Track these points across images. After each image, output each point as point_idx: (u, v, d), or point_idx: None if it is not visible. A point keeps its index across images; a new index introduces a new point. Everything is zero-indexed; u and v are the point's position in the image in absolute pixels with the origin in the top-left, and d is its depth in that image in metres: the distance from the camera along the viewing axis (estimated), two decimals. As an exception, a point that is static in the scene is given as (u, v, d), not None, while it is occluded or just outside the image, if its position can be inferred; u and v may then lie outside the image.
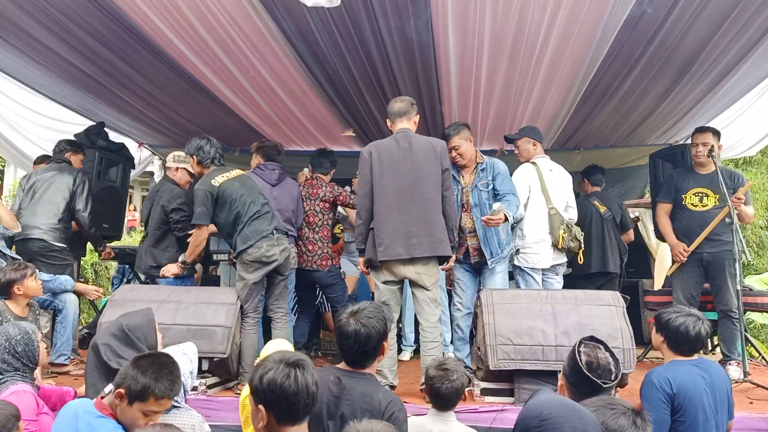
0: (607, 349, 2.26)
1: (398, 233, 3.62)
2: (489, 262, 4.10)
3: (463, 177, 4.24)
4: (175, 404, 2.40)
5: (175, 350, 2.60)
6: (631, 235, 5.81)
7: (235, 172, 4.16)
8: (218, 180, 4.01)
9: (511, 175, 4.32)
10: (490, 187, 4.14)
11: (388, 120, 3.90)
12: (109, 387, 2.42)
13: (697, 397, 2.61)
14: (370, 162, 3.74)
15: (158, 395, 2.17)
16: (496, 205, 3.92)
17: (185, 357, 2.57)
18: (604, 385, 2.14)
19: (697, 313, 2.79)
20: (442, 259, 3.78)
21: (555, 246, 4.27)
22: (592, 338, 2.32)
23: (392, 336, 3.67)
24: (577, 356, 2.20)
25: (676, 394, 2.61)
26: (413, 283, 3.71)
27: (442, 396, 2.60)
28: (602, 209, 5.39)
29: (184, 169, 4.61)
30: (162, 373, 2.21)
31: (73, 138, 5.28)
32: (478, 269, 4.24)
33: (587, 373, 2.15)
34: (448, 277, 4.81)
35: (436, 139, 3.87)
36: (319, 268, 4.71)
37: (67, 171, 4.71)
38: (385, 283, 3.73)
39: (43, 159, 5.40)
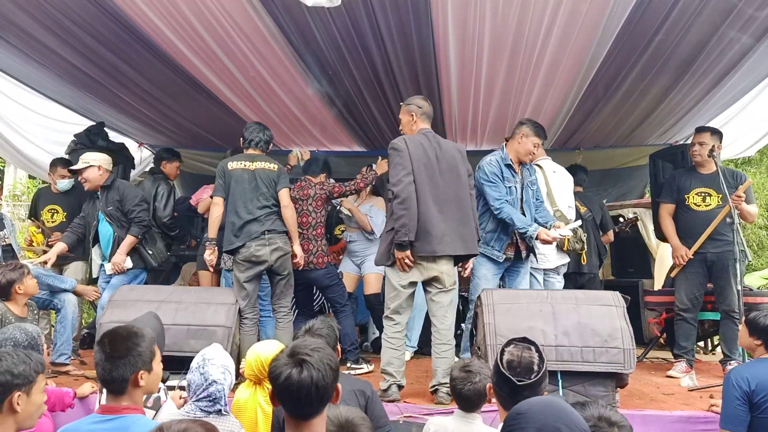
0: (537, 350, 2.17)
1: (437, 230, 3.57)
2: (535, 258, 4.11)
3: (519, 173, 4.08)
4: (218, 410, 2.36)
5: (217, 349, 2.53)
6: (610, 236, 5.79)
7: (257, 164, 4.16)
8: (233, 165, 4.16)
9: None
10: (535, 186, 4.12)
11: (413, 113, 3.72)
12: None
13: None
14: (408, 153, 3.58)
15: None
16: (571, 226, 4.00)
17: (227, 355, 2.52)
18: (519, 383, 2.04)
19: None
20: (456, 261, 3.77)
21: (560, 247, 4.29)
22: (524, 339, 2.24)
23: (400, 337, 3.69)
24: (500, 355, 2.15)
25: (754, 390, 2.61)
26: (435, 283, 3.65)
27: (465, 397, 2.61)
28: (582, 210, 5.33)
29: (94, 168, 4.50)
30: None
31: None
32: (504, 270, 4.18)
33: (503, 370, 2.09)
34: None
35: (457, 143, 3.88)
36: (317, 267, 4.64)
37: (150, 181, 5.18)
38: (409, 284, 3.66)
39: (58, 163, 5.19)
